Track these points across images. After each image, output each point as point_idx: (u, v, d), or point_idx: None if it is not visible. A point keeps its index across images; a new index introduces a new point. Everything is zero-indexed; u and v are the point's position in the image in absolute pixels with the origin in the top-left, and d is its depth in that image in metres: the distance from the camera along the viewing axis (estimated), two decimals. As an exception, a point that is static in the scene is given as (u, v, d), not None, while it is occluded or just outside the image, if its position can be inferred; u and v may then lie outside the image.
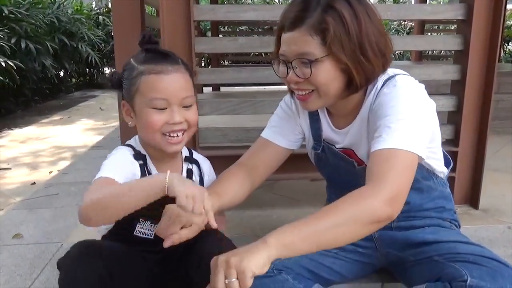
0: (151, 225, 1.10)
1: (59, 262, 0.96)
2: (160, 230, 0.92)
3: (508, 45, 8.55)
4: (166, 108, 1.02)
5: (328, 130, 1.17)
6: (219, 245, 0.99)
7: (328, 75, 0.98)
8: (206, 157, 1.62)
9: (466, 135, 1.77)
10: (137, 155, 1.08)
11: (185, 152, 1.19)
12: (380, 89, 1.02)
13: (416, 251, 1.10)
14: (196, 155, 1.21)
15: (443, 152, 1.16)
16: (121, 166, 1.02)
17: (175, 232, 0.91)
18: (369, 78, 1.00)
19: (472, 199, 1.84)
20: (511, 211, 1.82)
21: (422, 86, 1.02)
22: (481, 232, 1.64)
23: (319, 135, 1.19)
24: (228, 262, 0.76)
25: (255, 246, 0.80)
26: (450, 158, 1.21)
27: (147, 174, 1.08)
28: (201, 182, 1.19)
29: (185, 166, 1.17)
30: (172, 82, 1.02)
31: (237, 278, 0.76)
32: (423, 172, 1.10)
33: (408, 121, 0.94)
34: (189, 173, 1.17)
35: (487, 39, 1.68)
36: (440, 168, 1.14)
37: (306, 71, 0.97)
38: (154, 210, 1.07)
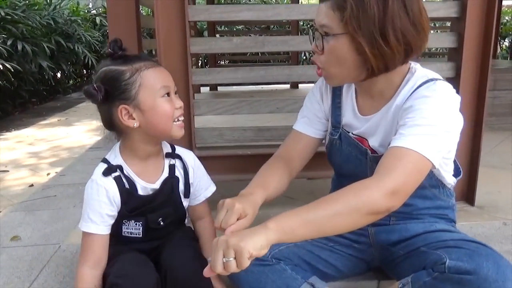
0: (135, 224, 1.17)
1: (114, 281, 1.05)
2: (219, 222, 0.95)
3: (504, 41, 8.57)
4: (168, 96, 1.10)
5: (350, 115, 1.17)
6: (188, 258, 1.11)
7: (340, 53, 0.99)
8: (203, 157, 1.63)
9: (462, 132, 1.77)
10: (110, 170, 1.13)
11: (166, 149, 1.22)
12: (417, 88, 1.02)
13: (406, 244, 1.12)
14: (178, 150, 1.24)
15: (455, 163, 1.16)
16: (94, 212, 1.11)
17: (233, 223, 0.94)
18: (387, 64, 0.99)
19: (468, 195, 1.85)
20: (507, 207, 1.83)
21: (459, 98, 1.02)
22: (477, 228, 1.64)
23: (338, 122, 1.21)
24: (227, 242, 0.80)
25: (255, 229, 0.83)
26: (461, 170, 1.21)
27: (124, 182, 1.13)
28: (186, 175, 1.22)
29: (167, 162, 1.21)
30: (165, 72, 1.12)
31: (235, 258, 0.79)
32: (432, 180, 1.11)
33: (435, 128, 0.94)
34: (172, 169, 1.20)
35: (481, 37, 1.68)
36: (449, 179, 1.14)
37: (321, 43, 1.01)
38: (133, 212, 1.15)
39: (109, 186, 1.11)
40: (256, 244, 0.80)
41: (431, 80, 1.03)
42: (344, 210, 0.87)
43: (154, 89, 1.07)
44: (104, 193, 1.11)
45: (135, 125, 1.08)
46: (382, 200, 0.87)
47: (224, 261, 0.79)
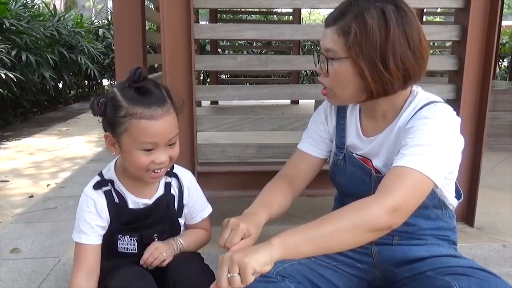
0: (130, 239, 1.17)
1: None
2: (223, 241, 0.96)
3: (503, 61, 8.65)
4: (153, 149, 1.06)
5: (354, 136, 1.20)
6: (195, 271, 1.12)
7: (344, 76, 1.02)
8: (205, 173, 1.64)
9: (462, 153, 1.79)
10: (100, 184, 1.15)
11: None
12: (418, 110, 1.04)
13: (411, 266, 1.12)
14: (176, 169, 1.24)
15: (456, 186, 1.18)
16: (84, 222, 1.13)
17: (237, 242, 0.95)
18: (386, 89, 1.02)
19: (468, 216, 1.85)
20: (506, 229, 1.84)
21: (459, 120, 1.04)
22: (476, 250, 1.65)
23: (342, 143, 1.23)
24: (232, 258, 0.81)
25: (260, 246, 0.85)
26: (462, 192, 1.23)
27: (114, 196, 1.15)
28: (181, 195, 1.23)
29: (163, 180, 1.21)
30: (162, 127, 1.05)
31: (239, 274, 0.80)
32: (435, 201, 1.12)
33: (436, 148, 0.96)
34: (167, 187, 1.21)
35: (481, 60, 1.71)
36: (451, 200, 1.16)
37: (325, 66, 1.04)
38: (126, 225, 1.16)
39: (98, 199, 1.14)
40: (260, 260, 0.81)
41: (432, 102, 1.05)
42: (347, 227, 0.88)
43: (135, 141, 1.04)
44: (93, 205, 1.13)
45: (113, 154, 1.11)
46: (383, 217, 0.89)
47: (229, 276, 0.81)
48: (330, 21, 1.04)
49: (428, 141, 0.97)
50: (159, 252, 1.14)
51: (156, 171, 1.09)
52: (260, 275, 1.12)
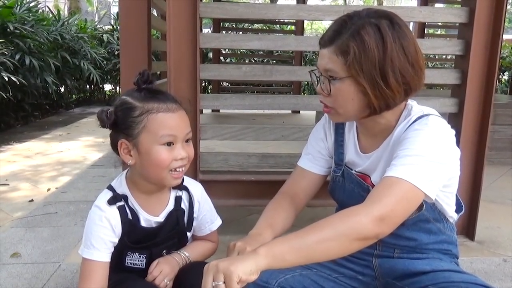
0: (139, 256, 1.16)
1: None
2: None
3: (504, 75, 8.69)
4: (173, 145, 1.06)
5: (352, 153, 1.20)
6: None
7: (346, 94, 1.03)
8: (207, 181, 1.64)
9: (463, 166, 1.78)
10: (115, 199, 1.12)
11: None
12: (412, 124, 1.05)
13: (413, 280, 1.12)
14: (186, 181, 1.22)
15: (457, 198, 1.18)
16: (97, 238, 1.09)
17: None
18: (388, 103, 1.03)
19: (468, 230, 1.85)
20: (507, 243, 1.84)
21: (453, 132, 1.05)
22: (477, 264, 1.65)
23: (341, 159, 1.23)
24: (217, 266, 0.81)
25: (246, 255, 0.86)
26: (463, 205, 1.23)
27: (128, 212, 1.13)
28: (191, 208, 1.21)
29: (173, 194, 1.20)
30: (179, 119, 1.07)
31: (224, 282, 0.80)
32: (435, 214, 1.12)
33: (426, 159, 0.96)
34: (178, 200, 1.19)
35: (484, 74, 1.73)
36: (451, 213, 1.16)
37: (328, 87, 1.04)
38: (137, 244, 1.15)
39: (113, 215, 1.11)
40: (246, 268, 0.81)
41: (425, 115, 1.06)
42: (332, 236, 0.88)
43: (155, 135, 1.04)
44: (107, 221, 1.10)
45: (129, 162, 1.08)
46: (369, 226, 0.89)
47: (214, 285, 0.80)
48: (326, 42, 1.04)
49: (417, 151, 0.97)
50: (162, 278, 1.13)
51: (177, 169, 1.08)
52: (262, 286, 1.12)
